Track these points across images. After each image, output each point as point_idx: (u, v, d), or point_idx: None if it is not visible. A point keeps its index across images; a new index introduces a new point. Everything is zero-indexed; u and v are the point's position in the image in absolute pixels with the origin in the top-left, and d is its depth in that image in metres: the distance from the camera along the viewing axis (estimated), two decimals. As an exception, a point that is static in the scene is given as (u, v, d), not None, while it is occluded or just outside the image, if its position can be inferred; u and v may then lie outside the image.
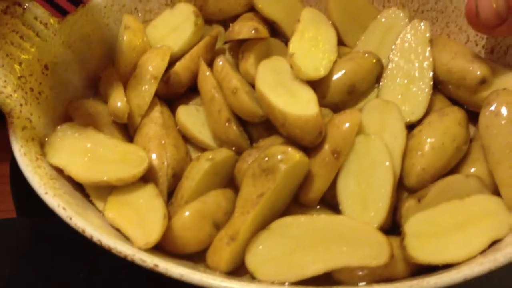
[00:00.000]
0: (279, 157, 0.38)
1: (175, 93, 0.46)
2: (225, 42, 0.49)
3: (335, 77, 0.44)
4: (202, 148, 0.45)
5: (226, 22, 0.51)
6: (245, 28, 0.45)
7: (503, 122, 0.39)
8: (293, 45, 0.43)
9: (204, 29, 0.48)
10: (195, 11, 0.47)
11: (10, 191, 0.85)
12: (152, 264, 0.34)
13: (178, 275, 0.34)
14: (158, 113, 0.44)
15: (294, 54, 0.42)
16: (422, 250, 0.36)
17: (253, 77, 0.44)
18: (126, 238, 0.38)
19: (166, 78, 0.45)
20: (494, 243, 0.36)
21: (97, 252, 0.48)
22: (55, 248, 0.52)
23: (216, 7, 0.50)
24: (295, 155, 0.38)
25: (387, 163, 0.39)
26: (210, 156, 0.41)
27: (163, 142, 0.43)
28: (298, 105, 0.40)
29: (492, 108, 0.40)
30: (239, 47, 0.47)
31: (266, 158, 0.38)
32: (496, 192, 0.39)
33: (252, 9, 0.50)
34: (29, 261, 0.52)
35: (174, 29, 0.48)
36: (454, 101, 0.45)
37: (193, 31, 0.47)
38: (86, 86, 0.49)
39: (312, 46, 0.44)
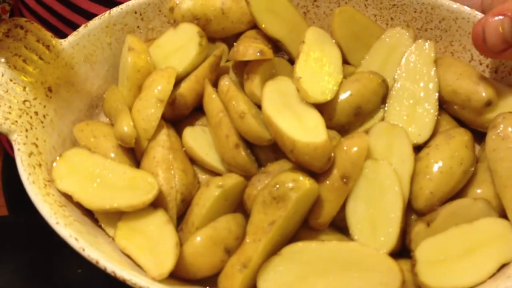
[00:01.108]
0: (289, 185, 0.38)
1: (180, 115, 0.46)
2: (227, 60, 0.49)
3: (341, 98, 0.44)
4: (209, 170, 0.45)
5: (229, 39, 0.51)
6: (250, 50, 0.45)
7: (510, 145, 0.40)
8: (299, 68, 0.43)
9: (208, 48, 0.48)
10: (199, 31, 0.47)
11: (2, 187, 0.85)
12: (168, 297, 0.34)
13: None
14: (165, 136, 0.44)
15: (300, 78, 0.43)
16: (433, 276, 0.36)
17: (259, 98, 0.44)
18: (138, 266, 0.38)
19: (171, 100, 0.45)
20: (502, 266, 0.37)
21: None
22: (51, 244, 0.52)
23: (219, 26, 0.49)
24: (306, 182, 0.38)
25: (396, 188, 0.39)
26: (220, 183, 0.41)
27: (171, 166, 0.43)
28: (306, 130, 0.40)
29: (499, 131, 0.40)
30: (243, 66, 0.47)
31: (277, 186, 0.38)
32: (503, 214, 0.40)
33: (255, 26, 0.50)
34: (25, 257, 0.52)
35: (178, 49, 0.47)
36: (459, 121, 0.45)
37: (198, 52, 0.47)
38: (90, 106, 0.49)
39: (318, 67, 0.44)
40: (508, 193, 0.39)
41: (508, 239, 0.38)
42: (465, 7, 0.46)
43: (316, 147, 0.39)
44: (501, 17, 0.40)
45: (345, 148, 0.40)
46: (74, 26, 0.52)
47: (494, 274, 0.37)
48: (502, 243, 0.38)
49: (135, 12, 0.49)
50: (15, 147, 0.41)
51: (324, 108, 0.44)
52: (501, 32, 0.40)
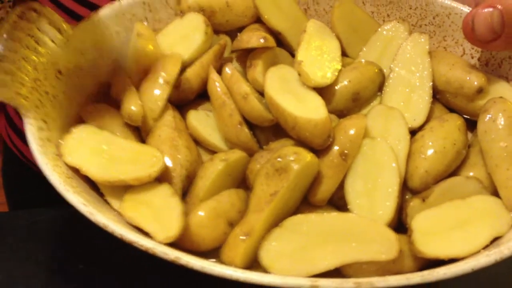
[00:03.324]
0: (291, 157, 0.40)
1: (185, 98, 0.48)
2: (232, 52, 0.51)
3: (340, 85, 0.46)
4: (212, 151, 0.46)
5: (232, 32, 0.53)
6: (254, 37, 0.47)
7: (500, 127, 0.42)
8: (301, 53, 0.46)
9: (212, 39, 0.50)
10: (205, 20, 0.49)
11: (2, 184, 0.84)
12: (174, 256, 0.35)
13: (199, 267, 0.35)
14: (171, 116, 0.46)
15: (302, 62, 0.45)
16: (429, 245, 0.38)
17: (261, 85, 0.46)
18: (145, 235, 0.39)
19: (177, 84, 0.47)
20: (495, 239, 0.39)
21: (94, 243, 0.49)
22: (52, 240, 0.53)
23: (224, 18, 0.52)
24: (307, 155, 0.40)
25: (393, 164, 0.41)
26: (224, 157, 0.42)
27: (176, 144, 0.44)
28: (307, 109, 0.42)
29: (490, 115, 0.42)
30: (246, 56, 0.49)
31: (279, 159, 0.40)
32: (494, 193, 0.42)
33: (257, 21, 0.52)
34: (27, 253, 0.52)
35: (184, 37, 0.49)
36: (452, 110, 0.48)
37: (203, 40, 0.49)
38: (98, 91, 0.50)
39: (318, 55, 0.47)
40: (499, 172, 0.41)
41: (500, 214, 0.40)
42: (457, 3, 0.49)
43: (317, 123, 0.41)
44: (490, 9, 0.43)
45: (343, 126, 0.42)
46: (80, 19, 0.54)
47: (487, 246, 0.38)
48: (494, 217, 0.39)
49: (144, 3, 0.52)
50: (25, 121, 0.43)
51: (323, 93, 0.46)
52: (490, 22, 0.42)
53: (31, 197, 0.77)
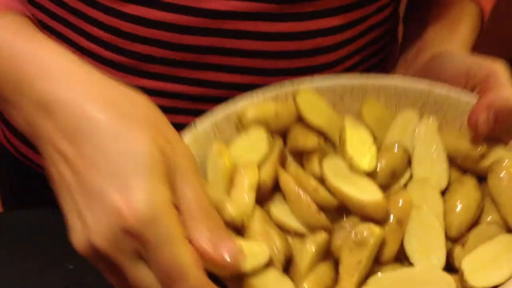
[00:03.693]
0: (366, 232, 0.54)
1: (263, 196, 0.62)
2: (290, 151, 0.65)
3: (380, 166, 0.61)
4: (293, 234, 0.60)
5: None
6: (308, 141, 0.62)
7: (504, 184, 0.57)
8: (349, 149, 0.60)
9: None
10: (265, 131, 0.63)
11: None
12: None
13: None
14: (260, 213, 0.59)
15: (352, 156, 0.59)
16: (478, 280, 0.52)
17: (318, 174, 0.60)
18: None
19: (257, 186, 0.61)
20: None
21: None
22: (44, 240, 0.57)
23: (275, 126, 0.65)
24: (376, 229, 0.54)
25: (437, 224, 0.56)
26: (314, 239, 0.56)
27: (270, 234, 0.58)
28: (366, 192, 0.57)
29: (496, 174, 0.58)
30: (299, 153, 0.63)
31: (358, 235, 0.54)
32: (508, 230, 0.57)
33: (298, 120, 0.67)
34: (19, 253, 0.56)
35: (252, 147, 0.63)
36: (463, 170, 0.63)
37: (268, 147, 0.63)
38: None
39: (360, 145, 0.61)
40: (511, 216, 0.57)
41: (519, 247, 0.55)
42: (452, 88, 0.64)
43: (377, 203, 0.56)
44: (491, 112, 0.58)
45: (396, 201, 0.57)
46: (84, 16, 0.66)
47: (515, 272, 0.53)
48: (513, 245, 0.55)
49: (213, 125, 0.65)
50: None
51: (369, 175, 0.60)
52: (488, 124, 0.58)
53: (25, 197, 0.83)
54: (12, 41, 0.51)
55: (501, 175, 0.58)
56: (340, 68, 0.77)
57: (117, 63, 0.70)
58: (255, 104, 0.66)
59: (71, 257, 0.53)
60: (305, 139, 0.62)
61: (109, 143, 0.43)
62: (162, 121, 0.49)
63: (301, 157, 0.64)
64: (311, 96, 0.66)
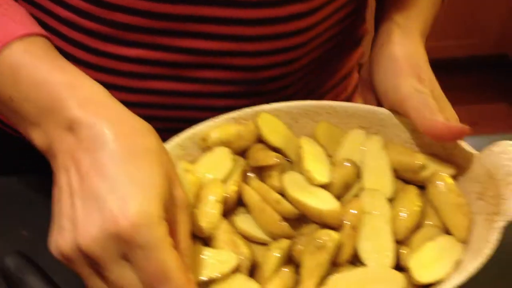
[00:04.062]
0: (326, 238, 0.60)
1: (227, 210, 0.67)
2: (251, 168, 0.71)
3: (334, 179, 0.68)
4: (257, 243, 0.65)
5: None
6: (268, 157, 0.68)
7: (442, 191, 0.65)
8: (307, 163, 0.67)
9: (234, 161, 0.70)
10: (229, 151, 0.69)
11: None
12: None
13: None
14: (225, 225, 0.64)
15: (310, 170, 0.66)
16: (423, 276, 0.59)
17: (278, 189, 0.66)
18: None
19: (223, 200, 0.66)
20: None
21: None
22: (2, 205, 0.61)
23: (238, 145, 0.71)
24: (335, 235, 0.60)
25: (387, 227, 0.63)
26: (278, 246, 0.61)
27: (237, 244, 0.62)
28: (324, 202, 0.63)
29: (434, 183, 0.66)
30: (259, 169, 0.69)
31: (318, 240, 0.60)
32: (447, 233, 0.64)
33: (258, 141, 0.73)
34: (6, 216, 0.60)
35: (216, 165, 0.68)
36: (404, 180, 0.70)
37: (232, 164, 0.68)
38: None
39: (316, 161, 0.68)
40: (449, 220, 0.64)
41: (457, 245, 0.62)
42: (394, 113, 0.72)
43: (334, 211, 0.62)
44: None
45: (349, 209, 0.63)
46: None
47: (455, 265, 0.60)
48: (454, 248, 0.62)
49: (179, 145, 0.70)
50: None
51: (325, 187, 0.67)
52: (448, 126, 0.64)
53: (9, 163, 0.85)
54: (39, 68, 0.55)
55: (439, 184, 0.65)
56: (316, 32, 0.80)
57: (96, 32, 0.72)
58: (218, 126, 0.72)
59: (26, 224, 0.59)
60: (265, 156, 0.68)
61: (122, 164, 0.48)
62: (166, 155, 0.56)
63: (261, 173, 0.70)
64: (270, 118, 0.73)
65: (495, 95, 3.06)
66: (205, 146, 0.71)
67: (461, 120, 0.70)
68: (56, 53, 0.59)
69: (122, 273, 0.48)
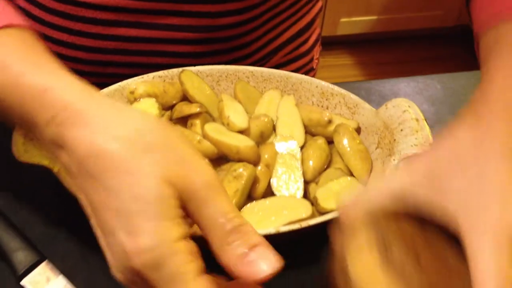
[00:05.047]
0: (241, 169, 0.66)
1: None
2: (176, 118, 0.77)
3: (251, 128, 0.75)
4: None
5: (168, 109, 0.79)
6: (192, 107, 0.74)
7: (344, 139, 0.74)
8: (226, 111, 0.74)
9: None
10: (156, 101, 0.75)
11: None
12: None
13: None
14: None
15: (229, 116, 0.73)
16: (327, 204, 0.67)
17: (200, 135, 0.72)
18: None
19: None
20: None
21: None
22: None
23: (163, 100, 0.77)
24: (250, 166, 0.67)
25: (298, 165, 0.70)
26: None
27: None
28: (241, 141, 0.70)
29: (339, 134, 0.74)
30: (184, 120, 0.75)
31: (235, 170, 0.66)
32: (350, 175, 0.73)
33: (183, 99, 0.79)
34: None
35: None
36: (314, 135, 0.79)
37: (158, 113, 0.74)
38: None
39: (235, 111, 0.75)
40: (351, 163, 0.73)
41: (357, 184, 0.71)
42: (304, 76, 0.81)
43: (250, 147, 0.69)
44: None
45: (264, 149, 0.70)
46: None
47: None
48: (355, 185, 0.70)
49: (108, 96, 0.75)
50: None
51: (243, 133, 0.74)
52: None
53: None
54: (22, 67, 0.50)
55: (343, 133, 0.74)
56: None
57: None
58: (146, 82, 0.77)
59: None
60: (189, 107, 0.75)
61: (121, 184, 0.43)
62: (177, 143, 0.48)
63: (186, 125, 0.76)
64: (194, 76, 0.79)
65: (458, 66, 3.10)
66: (133, 99, 0.76)
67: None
68: (34, 46, 0.55)
69: None
